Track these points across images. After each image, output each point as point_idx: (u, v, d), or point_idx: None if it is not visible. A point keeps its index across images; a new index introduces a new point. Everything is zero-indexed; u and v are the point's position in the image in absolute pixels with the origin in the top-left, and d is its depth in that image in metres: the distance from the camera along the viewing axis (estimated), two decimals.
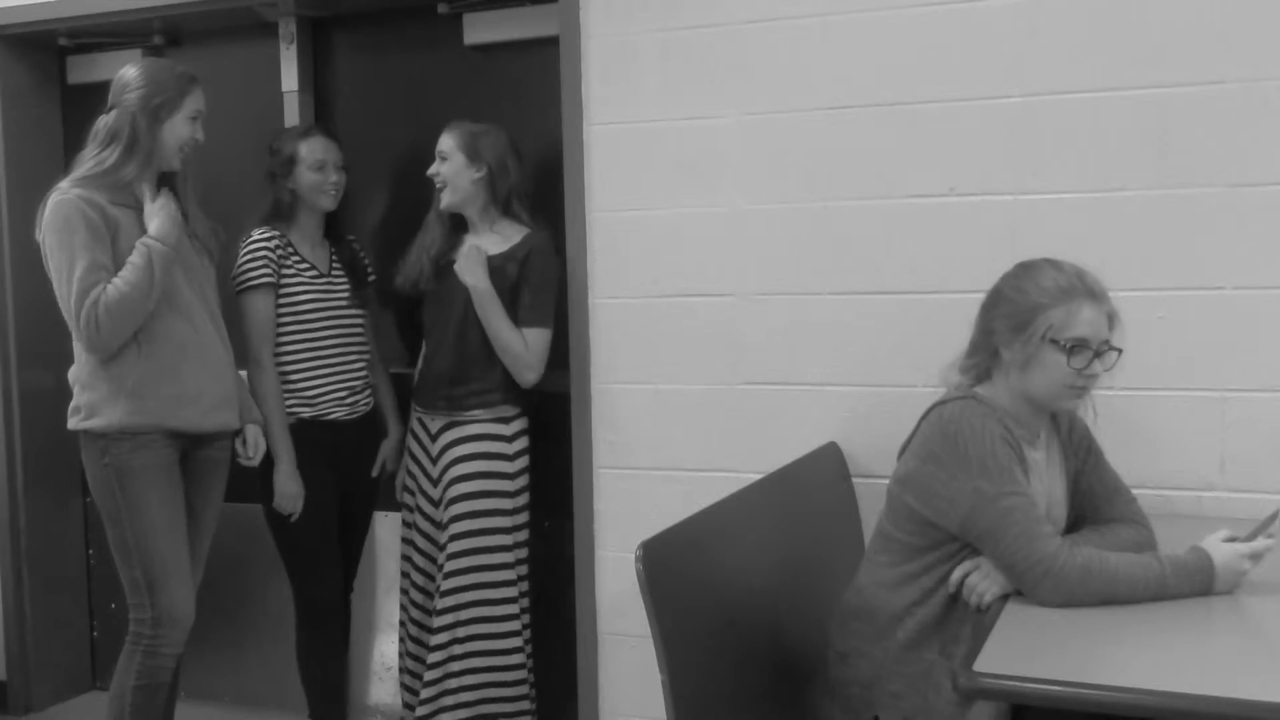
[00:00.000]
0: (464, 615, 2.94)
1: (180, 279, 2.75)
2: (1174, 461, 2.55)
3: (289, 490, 3.02)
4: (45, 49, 3.80)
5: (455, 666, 2.94)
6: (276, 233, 3.09)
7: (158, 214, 2.69)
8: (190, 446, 2.78)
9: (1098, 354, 2.07)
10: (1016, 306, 2.12)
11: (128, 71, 2.78)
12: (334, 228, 3.24)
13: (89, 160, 2.72)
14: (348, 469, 3.17)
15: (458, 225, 3.06)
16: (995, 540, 2.00)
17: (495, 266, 2.93)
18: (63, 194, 2.67)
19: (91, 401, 2.70)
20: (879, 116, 2.72)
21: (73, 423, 2.76)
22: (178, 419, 2.71)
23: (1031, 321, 2.09)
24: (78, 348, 2.73)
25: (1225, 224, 2.49)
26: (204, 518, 2.86)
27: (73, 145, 3.82)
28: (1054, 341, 2.07)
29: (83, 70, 3.83)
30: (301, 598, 3.15)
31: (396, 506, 3.24)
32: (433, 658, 2.95)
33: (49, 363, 3.75)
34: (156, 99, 2.72)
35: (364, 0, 3.45)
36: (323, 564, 3.14)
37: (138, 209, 2.73)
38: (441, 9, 3.32)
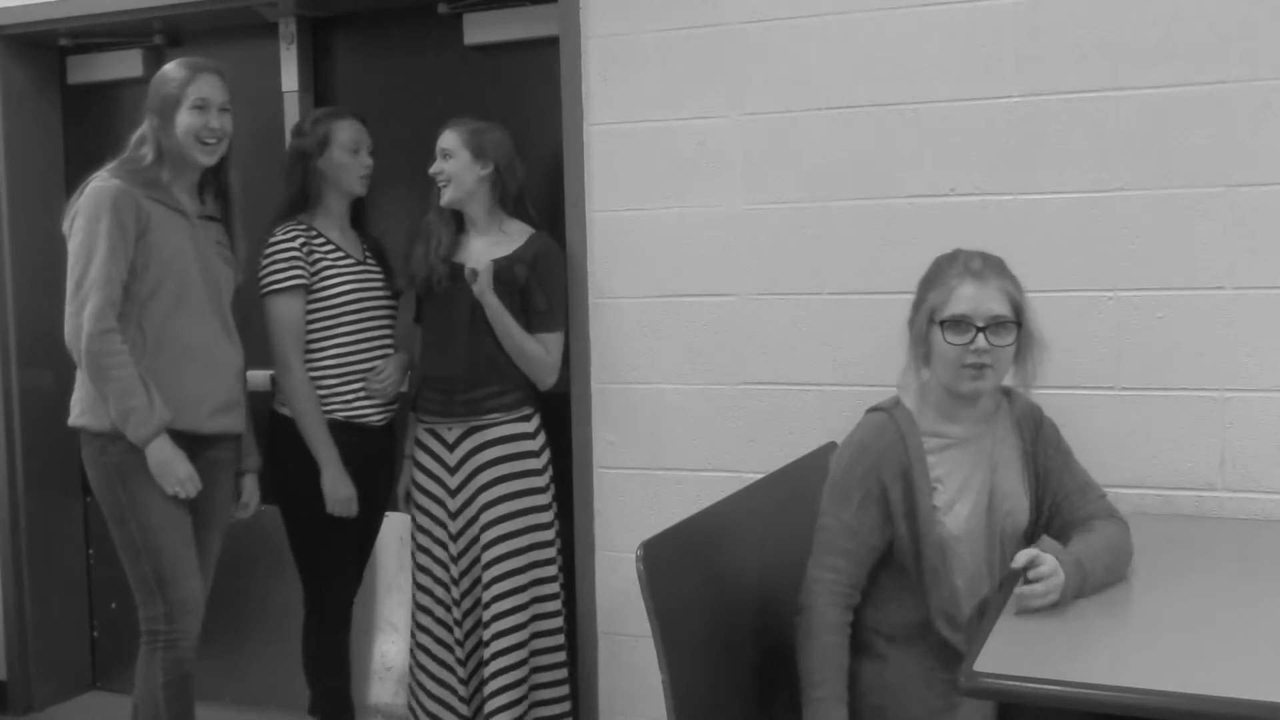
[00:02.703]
0: (524, 619, 2.93)
1: (198, 283, 2.73)
2: (1174, 461, 2.55)
3: (340, 494, 2.94)
4: (45, 49, 3.80)
5: (528, 673, 2.95)
6: (302, 226, 2.99)
7: (172, 463, 2.66)
8: (193, 448, 2.75)
9: (985, 329, 2.07)
10: (915, 298, 2.20)
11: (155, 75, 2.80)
12: (360, 216, 3.15)
13: (125, 157, 2.73)
14: (367, 473, 3.08)
15: (459, 225, 3.04)
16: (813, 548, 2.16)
17: (502, 267, 2.90)
18: (102, 181, 2.66)
19: (90, 396, 2.69)
20: (879, 116, 2.72)
21: (70, 417, 2.76)
22: (178, 421, 2.69)
23: (919, 308, 2.16)
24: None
25: (1225, 224, 2.49)
26: (211, 519, 2.84)
27: (73, 145, 3.85)
28: (935, 323, 2.11)
29: (83, 70, 3.83)
30: (315, 601, 3.10)
31: (396, 507, 3.22)
32: (501, 665, 2.91)
33: (49, 362, 3.75)
34: (160, 97, 2.73)
35: (364, 0, 3.45)
36: (339, 568, 3.08)
37: (173, 208, 2.71)
38: (441, 9, 3.32)
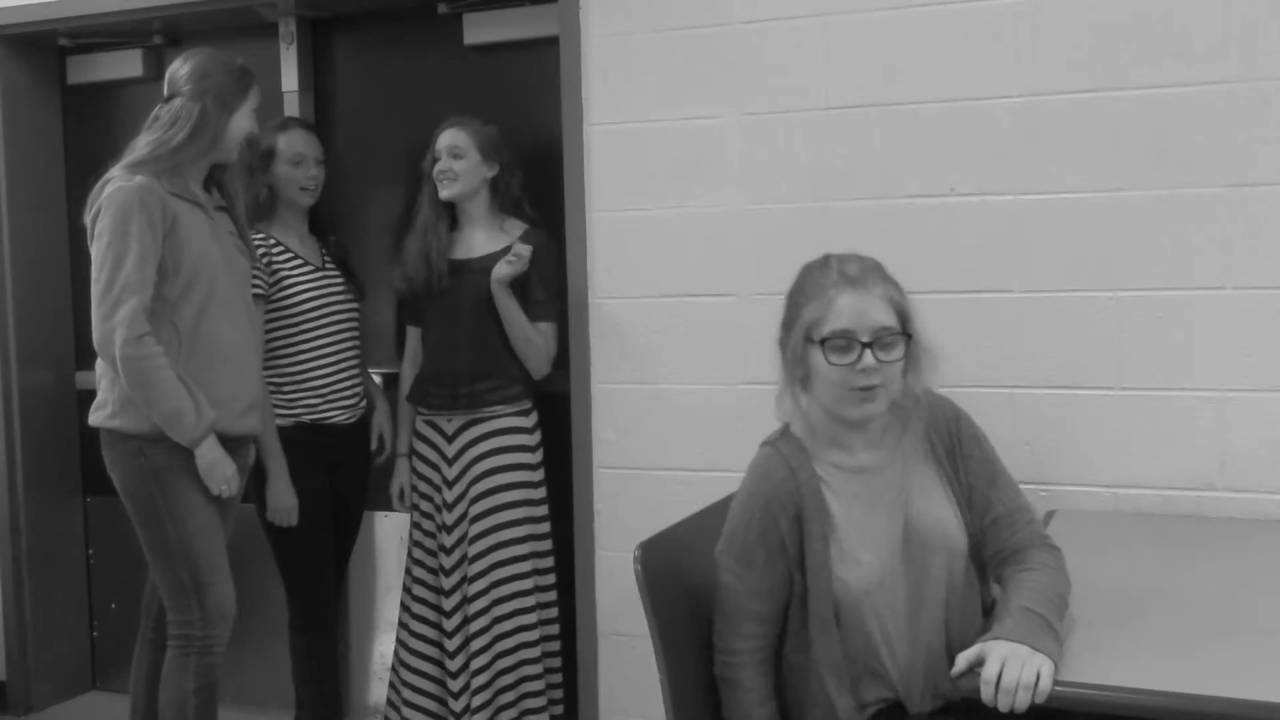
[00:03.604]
0: (501, 611, 2.96)
1: (225, 278, 2.70)
2: (1174, 461, 2.55)
3: (284, 504, 2.98)
4: (45, 49, 3.80)
5: (505, 663, 2.97)
6: (260, 235, 3.03)
7: (221, 464, 2.65)
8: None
9: (872, 344, 1.83)
10: (785, 314, 1.95)
11: (190, 61, 2.72)
12: (319, 224, 3.21)
13: (147, 144, 2.65)
14: (341, 471, 3.14)
15: (453, 222, 3.05)
16: (715, 606, 1.96)
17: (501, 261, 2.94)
18: (124, 180, 2.58)
19: (122, 397, 2.62)
20: (879, 116, 2.72)
21: (97, 418, 2.68)
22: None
23: (792, 326, 1.92)
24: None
25: (1225, 224, 2.49)
26: (225, 523, 2.81)
27: (73, 145, 3.85)
28: (814, 342, 1.87)
29: (83, 70, 3.83)
30: (298, 601, 3.13)
31: (394, 507, 3.22)
32: (478, 661, 2.94)
33: (49, 362, 3.76)
34: (226, 88, 2.69)
35: (364, 0, 3.45)
36: (319, 568, 3.12)
37: (192, 203, 2.68)
38: (441, 9, 3.33)
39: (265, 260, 3.00)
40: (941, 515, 1.93)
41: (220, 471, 2.65)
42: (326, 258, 3.17)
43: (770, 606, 1.92)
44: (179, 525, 2.65)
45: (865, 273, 1.88)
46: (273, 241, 3.05)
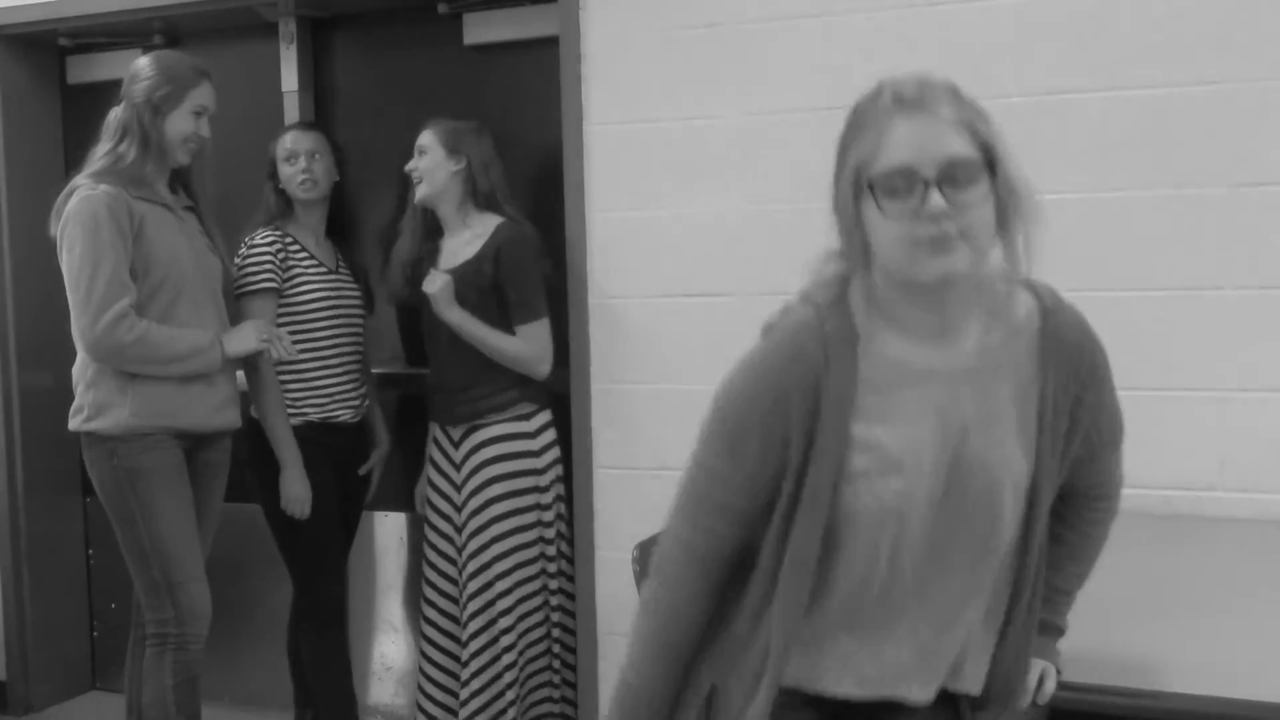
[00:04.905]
0: (501, 621, 2.93)
1: (196, 277, 2.73)
2: (1174, 461, 2.54)
3: (297, 494, 2.98)
4: (45, 49, 3.80)
5: (502, 665, 2.93)
6: (278, 233, 3.06)
7: (245, 333, 2.79)
8: (193, 447, 2.77)
9: (943, 181, 1.36)
10: (836, 155, 1.46)
11: (138, 63, 2.76)
12: (336, 226, 3.22)
13: (105, 156, 2.68)
14: (345, 470, 3.16)
15: (433, 230, 3.03)
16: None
17: (472, 270, 2.89)
18: (89, 189, 2.62)
19: (96, 401, 2.67)
20: None
21: (75, 423, 2.72)
22: (185, 419, 2.70)
23: (843, 168, 1.43)
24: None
25: (1225, 224, 2.49)
26: (206, 520, 2.84)
27: (73, 145, 3.85)
28: (866, 187, 1.39)
29: (83, 70, 3.83)
30: (308, 600, 3.13)
31: (395, 507, 3.23)
32: (476, 663, 2.92)
33: (49, 363, 3.76)
34: (159, 92, 2.70)
35: (364, 0, 3.45)
36: (330, 565, 3.13)
37: (160, 204, 2.71)
38: (441, 9, 3.32)
39: (281, 256, 3.02)
40: (1006, 452, 1.45)
41: (257, 331, 2.80)
42: (341, 262, 3.18)
43: (750, 502, 1.50)
44: (151, 526, 2.67)
45: (927, 91, 1.41)
46: (289, 239, 3.07)
